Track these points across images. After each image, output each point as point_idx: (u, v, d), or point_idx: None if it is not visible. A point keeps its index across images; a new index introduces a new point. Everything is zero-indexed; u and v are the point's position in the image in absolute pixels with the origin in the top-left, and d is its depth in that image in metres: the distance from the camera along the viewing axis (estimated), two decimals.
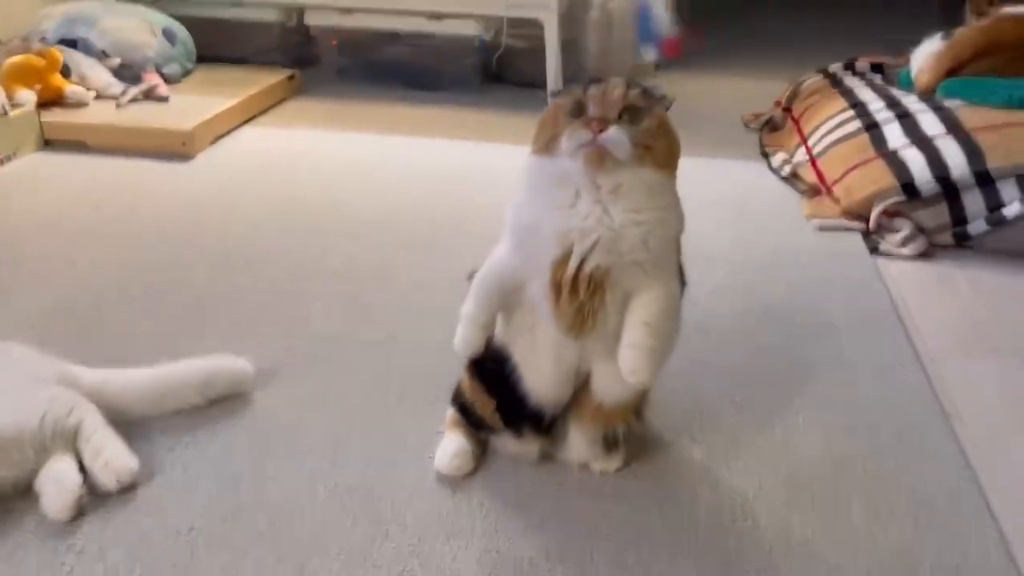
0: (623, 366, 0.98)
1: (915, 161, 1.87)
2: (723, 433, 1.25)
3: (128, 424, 1.19)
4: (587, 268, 0.96)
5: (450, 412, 1.19)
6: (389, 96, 2.79)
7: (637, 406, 1.16)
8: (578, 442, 1.13)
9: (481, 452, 1.17)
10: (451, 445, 1.15)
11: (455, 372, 1.17)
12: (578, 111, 0.96)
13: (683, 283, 1.08)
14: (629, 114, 0.96)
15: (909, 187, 1.84)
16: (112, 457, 1.10)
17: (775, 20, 4.21)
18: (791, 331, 1.51)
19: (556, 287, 0.97)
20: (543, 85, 2.70)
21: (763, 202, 2.06)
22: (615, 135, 0.93)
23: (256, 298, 1.57)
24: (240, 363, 1.30)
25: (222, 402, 1.27)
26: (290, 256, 1.72)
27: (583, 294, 0.97)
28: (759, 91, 2.87)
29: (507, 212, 1.03)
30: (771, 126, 2.54)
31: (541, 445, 1.15)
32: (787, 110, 2.50)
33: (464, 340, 1.05)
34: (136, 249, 1.75)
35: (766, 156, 2.34)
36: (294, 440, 1.20)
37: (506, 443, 1.15)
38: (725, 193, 2.10)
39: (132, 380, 1.23)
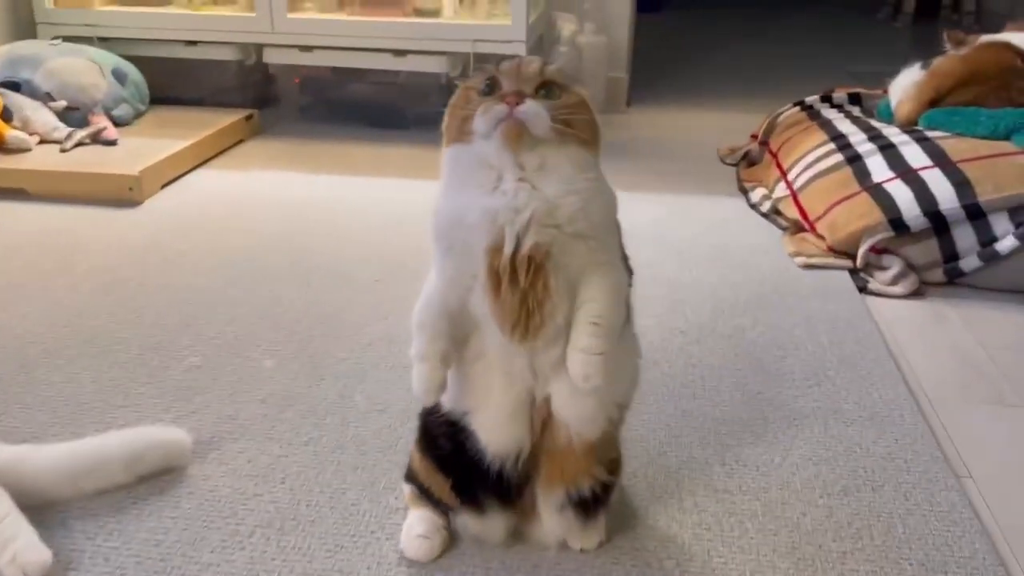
0: (573, 371, 0.87)
1: (902, 195, 1.78)
2: (715, 498, 1.13)
3: (44, 509, 1.05)
4: (524, 248, 0.84)
5: (409, 487, 1.06)
6: (352, 135, 2.69)
7: (611, 458, 1.03)
8: (549, 510, 0.99)
9: (450, 529, 1.03)
10: (418, 525, 1.02)
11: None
12: (491, 89, 0.88)
13: (629, 271, 0.99)
14: (546, 90, 0.88)
15: (897, 222, 1.75)
16: (21, 550, 0.96)
17: (743, 54, 4.17)
18: (781, 379, 1.40)
19: (494, 277, 0.86)
20: None
21: (745, 240, 1.96)
22: (532, 107, 0.85)
23: (197, 359, 1.43)
24: (175, 434, 1.16)
25: (153, 479, 1.13)
26: (238, 308, 1.59)
27: (524, 280, 0.85)
28: (732, 124, 2.80)
29: (431, 226, 0.91)
30: (748, 160, 2.46)
31: (508, 521, 1.01)
32: (764, 143, 2.42)
33: (423, 381, 0.91)
34: (70, 304, 1.61)
35: (744, 192, 2.25)
36: (235, 522, 1.06)
37: (468, 524, 1.01)
38: (705, 231, 2.00)
39: (49, 457, 1.09)
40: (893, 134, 2.01)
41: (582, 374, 0.87)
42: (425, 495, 1.03)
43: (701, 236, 1.98)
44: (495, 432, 0.95)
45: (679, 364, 1.44)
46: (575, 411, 0.93)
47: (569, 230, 0.86)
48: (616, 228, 0.97)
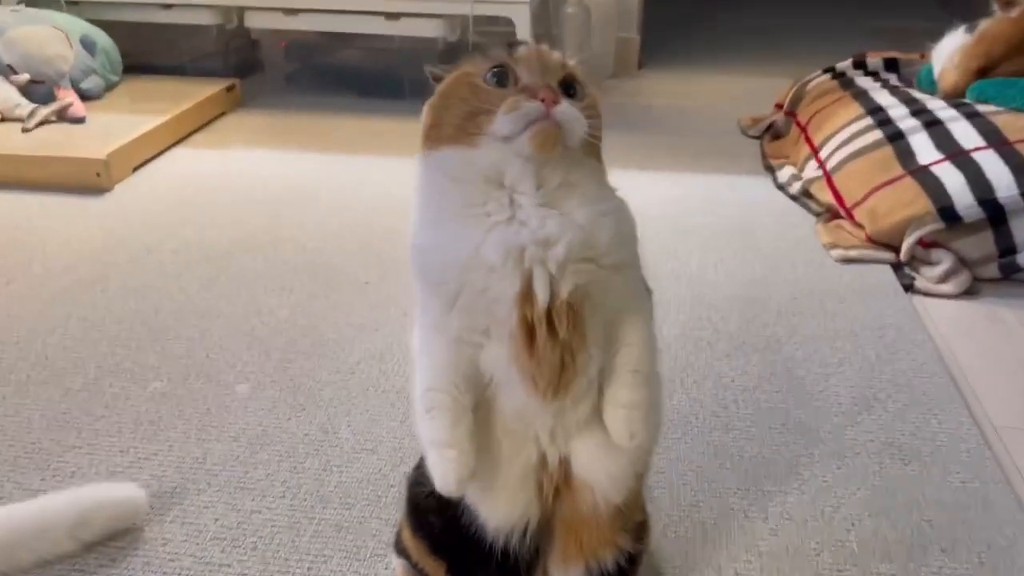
0: (616, 430, 0.72)
1: (952, 180, 1.59)
2: (759, 563, 0.96)
3: None
4: (564, 292, 0.68)
5: (400, 562, 0.90)
6: (341, 106, 2.49)
7: (638, 522, 0.86)
8: None
9: None
10: None
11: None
12: (502, 79, 0.70)
13: (648, 291, 0.83)
14: (567, 86, 0.71)
15: (948, 211, 1.56)
16: None
17: (765, 12, 3.93)
18: (826, 404, 1.23)
19: (527, 332, 0.68)
20: None
21: (773, 228, 1.77)
22: (570, 110, 0.68)
23: (163, 383, 1.26)
24: (128, 491, 1.00)
25: (104, 546, 0.97)
26: (212, 319, 1.42)
27: (564, 332, 0.68)
28: (755, 89, 2.60)
29: (411, 263, 0.73)
30: (773, 133, 2.26)
31: None
32: (790, 114, 2.22)
33: (452, 473, 0.71)
34: (22, 315, 1.43)
35: (771, 170, 2.05)
36: None
37: None
38: (728, 217, 1.82)
39: None
40: (939, 108, 1.81)
41: (627, 432, 0.72)
42: (418, 574, 0.87)
43: (724, 223, 1.79)
44: (498, 503, 0.78)
45: (707, 386, 1.27)
46: (604, 472, 0.77)
47: (607, 262, 0.70)
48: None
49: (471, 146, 0.69)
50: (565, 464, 0.77)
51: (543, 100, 0.67)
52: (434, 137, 0.72)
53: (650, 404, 0.74)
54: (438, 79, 0.76)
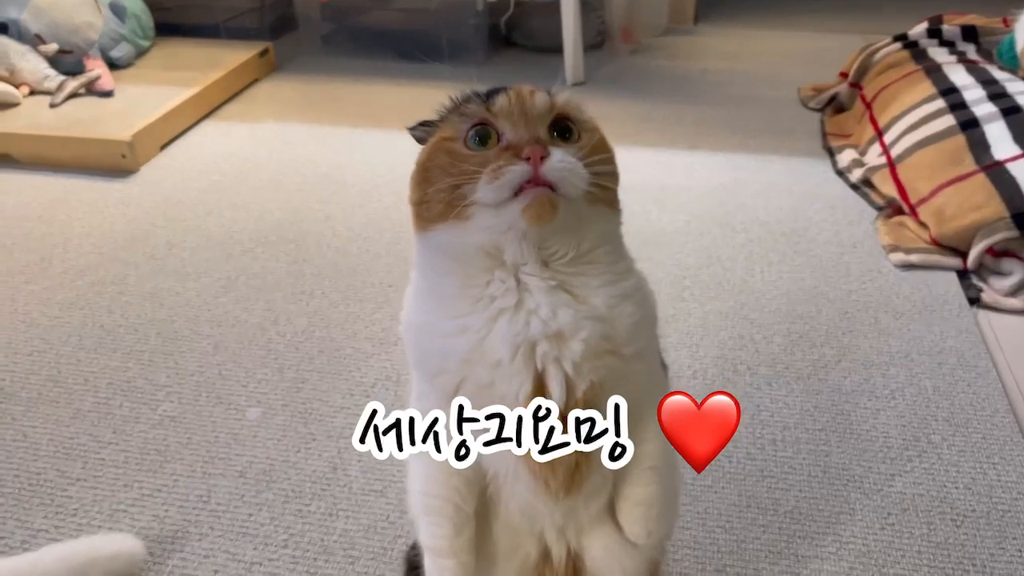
0: (632, 529, 0.67)
1: None
2: None
3: None
4: (580, 390, 0.61)
5: None
6: (378, 71, 2.39)
7: None
8: None
9: None
10: None
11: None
12: (484, 137, 0.62)
13: (664, 366, 0.75)
14: (560, 129, 0.63)
15: (1023, 218, 1.41)
16: None
17: None
18: (873, 446, 1.13)
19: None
20: (561, 49, 2.28)
21: (828, 225, 1.64)
22: (562, 160, 0.59)
23: (173, 404, 1.22)
24: (124, 543, 0.96)
25: None
26: (228, 328, 1.37)
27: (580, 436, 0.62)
28: (822, 50, 2.42)
29: (405, 343, 0.67)
30: (836, 106, 2.10)
31: None
32: (856, 86, 2.05)
33: None
34: (38, 322, 1.40)
35: (830, 152, 1.91)
36: None
37: None
38: (780, 211, 1.69)
39: None
40: (1020, 92, 1.64)
41: (643, 531, 0.67)
42: None
43: (775, 217, 1.67)
44: None
45: (744, 421, 1.18)
46: (619, 567, 0.70)
47: (628, 352, 0.62)
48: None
49: (462, 220, 0.60)
50: (573, 559, 0.70)
51: (528, 159, 0.58)
52: (424, 216, 0.63)
53: (667, 498, 0.68)
54: (421, 141, 0.68)
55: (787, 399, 1.21)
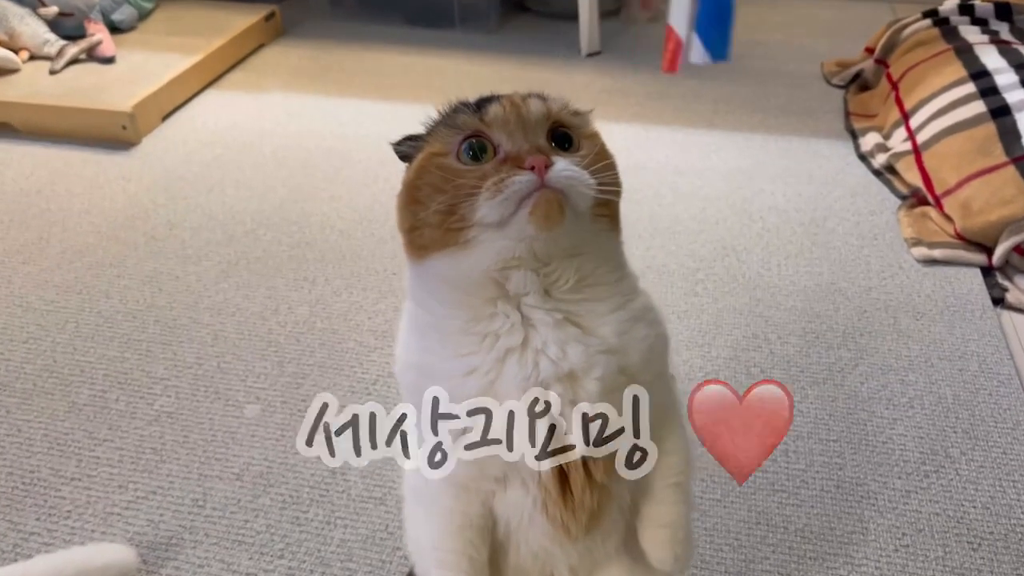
0: (659, 555, 0.63)
1: None
2: None
3: None
4: (595, 432, 0.57)
5: None
6: (388, 37, 2.32)
7: None
8: None
9: None
10: None
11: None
12: (479, 151, 0.57)
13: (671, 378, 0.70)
14: (558, 137, 0.58)
15: None
16: None
17: None
18: (889, 459, 1.10)
19: (559, 478, 0.58)
20: (576, 16, 2.20)
21: (849, 215, 1.59)
22: (567, 167, 0.55)
23: (170, 399, 1.19)
24: (115, 553, 0.94)
25: None
26: (228, 317, 1.34)
27: (602, 474, 0.58)
28: (849, 21, 2.33)
29: (401, 384, 0.63)
30: (860, 83, 2.02)
31: None
32: (881, 62, 1.97)
33: None
34: (34, 307, 1.37)
35: (853, 135, 1.84)
36: None
37: None
38: (801, 198, 1.63)
39: None
40: None
41: (671, 555, 0.62)
42: None
43: (794, 205, 1.61)
44: None
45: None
46: None
47: (642, 380, 0.58)
48: None
49: (461, 246, 0.56)
50: None
51: (533, 167, 0.54)
52: (418, 244, 0.58)
53: (690, 517, 0.65)
54: (406, 157, 0.63)
55: (801, 406, 1.18)
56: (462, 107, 0.60)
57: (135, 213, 1.59)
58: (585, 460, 0.57)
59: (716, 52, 0.75)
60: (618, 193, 0.60)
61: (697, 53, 0.74)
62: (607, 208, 0.58)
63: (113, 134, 1.80)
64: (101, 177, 1.71)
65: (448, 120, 0.60)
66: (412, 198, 0.58)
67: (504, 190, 0.53)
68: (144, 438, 1.13)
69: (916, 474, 1.08)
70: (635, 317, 0.59)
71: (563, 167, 0.54)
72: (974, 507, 1.03)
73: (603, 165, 0.58)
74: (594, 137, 0.61)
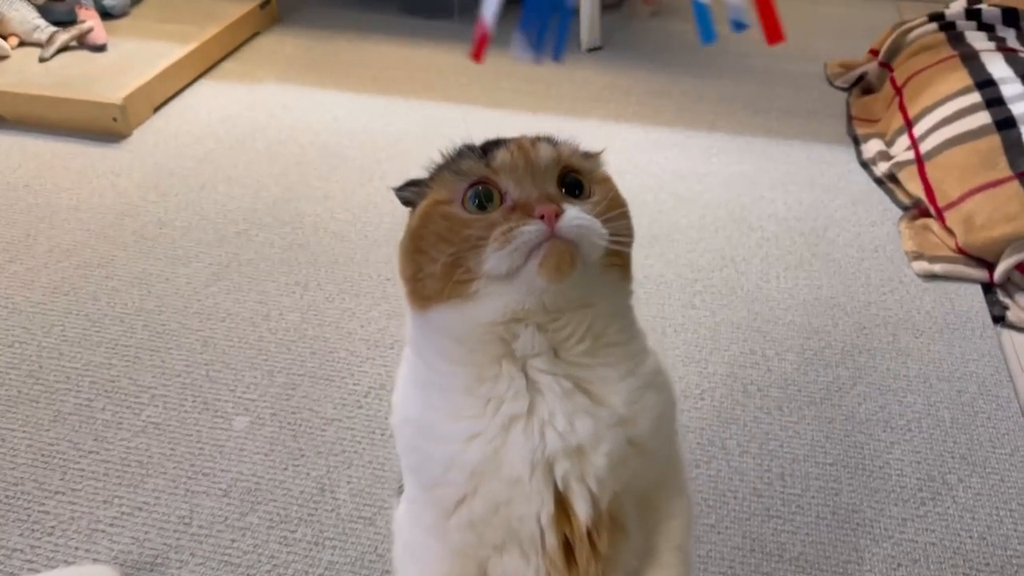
0: None
1: None
2: None
3: None
4: (605, 503, 0.55)
5: None
6: (384, 28, 2.28)
7: None
8: None
9: None
10: None
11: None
12: (484, 199, 0.55)
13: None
14: (569, 183, 0.56)
15: None
16: None
17: None
18: (886, 485, 1.08)
19: (564, 549, 0.56)
20: (577, 9, 2.16)
21: (849, 225, 1.56)
22: (578, 216, 0.53)
23: (158, 409, 1.17)
24: (101, 574, 0.92)
25: None
26: (217, 323, 1.31)
27: (605, 547, 0.56)
28: (855, 19, 2.29)
29: (397, 439, 0.61)
30: (863, 86, 1.99)
31: None
32: (886, 66, 1.94)
33: None
34: (20, 308, 1.35)
35: (856, 141, 1.81)
36: None
37: None
38: (802, 207, 1.61)
39: None
40: None
41: None
42: None
43: (794, 214, 1.59)
44: None
45: (752, 451, 1.13)
46: None
47: (651, 447, 0.57)
48: None
49: (467, 298, 0.53)
50: None
51: (543, 216, 0.52)
52: (419, 294, 0.56)
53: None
54: (409, 203, 0.60)
55: (798, 427, 1.16)
56: (467, 151, 0.58)
57: (125, 210, 1.56)
58: (590, 531, 0.55)
59: (537, 51, 0.74)
60: (630, 242, 0.58)
61: (518, 48, 0.73)
62: (619, 258, 0.56)
63: (103, 126, 1.76)
64: (91, 171, 1.67)
65: (453, 165, 0.58)
66: (416, 247, 0.56)
67: (512, 241, 0.51)
68: (130, 450, 1.11)
69: (913, 501, 1.06)
70: (646, 384, 0.57)
71: (574, 215, 0.52)
72: (970, 537, 1.02)
73: (616, 213, 0.56)
74: (606, 182, 0.58)
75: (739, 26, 0.77)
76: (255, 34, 2.22)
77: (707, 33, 0.79)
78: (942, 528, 1.03)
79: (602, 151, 0.62)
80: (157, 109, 1.87)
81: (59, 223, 1.53)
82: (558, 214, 0.52)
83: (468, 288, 0.53)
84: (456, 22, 2.30)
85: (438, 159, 0.61)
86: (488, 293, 0.53)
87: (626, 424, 0.55)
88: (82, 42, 1.98)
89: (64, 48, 1.96)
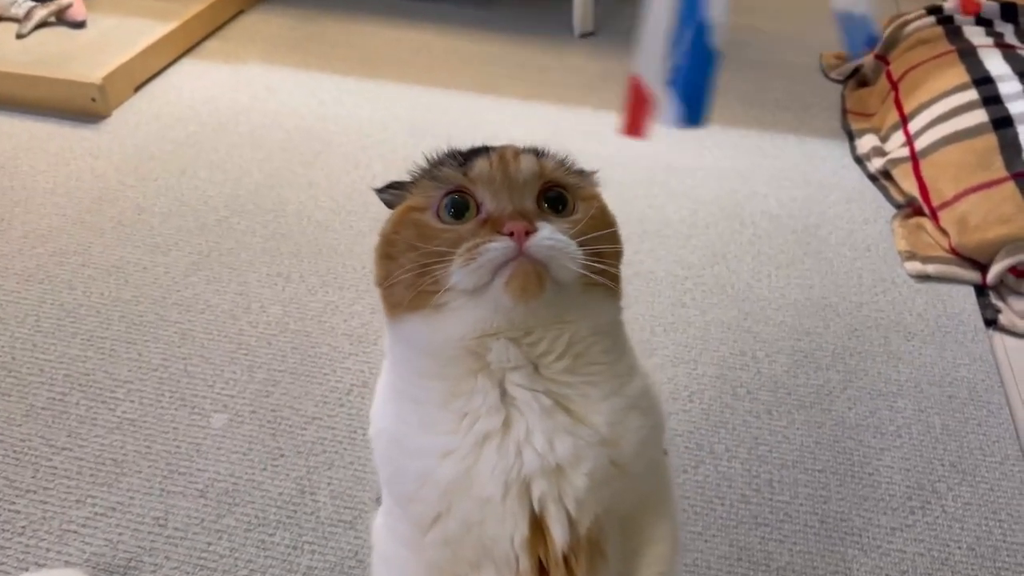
0: None
1: None
2: None
3: None
4: (584, 527, 0.53)
5: None
6: (373, 7, 2.23)
7: None
8: None
9: None
10: None
11: None
12: (460, 208, 0.53)
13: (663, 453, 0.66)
14: (551, 198, 0.54)
15: None
16: None
17: None
18: (875, 493, 1.07)
19: (538, 572, 0.54)
20: None
21: (842, 223, 1.54)
22: (550, 237, 0.51)
23: (133, 404, 1.14)
24: None
25: None
26: (196, 315, 1.28)
27: (582, 572, 0.54)
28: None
29: (375, 450, 0.60)
30: (859, 79, 1.97)
31: None
32: (882, 58, 1.92)
33: None
34: None
35: (850, 135, 1.79)
36: None
37: None
38: (795, 203, 1.59)
39: None
40: None
41: None
42: None
43: (787, 211, 1.56)
44: None
45: (740, 456, 1.11)
46: None
47: (635, 471, 0.55)
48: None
49: (434, 309, 0.52)
50: None
51: (511, 234, 0.50)
52: (391, 301, 0.55)
53: None
54: (391, 205, 0.58)
55: (787, 431, 1.14)
56: (449, 158, 0.56)
57: (103, 195, 1.52)
58: (566, 555, 0.53)
59: (692, 114, 0.66)
60: (614, 263, 0.56)
61: (669, 113, 0.66)
62: (604, 275, 0.54)
63: (82, 106, 1.71)
64: (68, 153, 1.63)
65: (433, 171, 0.56)
66: (386, 253, 0.55)
67: (478, 257, 0.49)
68: (104, 447, 1.08)
69: (901, 510, 1.05)
70: (630, 405, 0.54)
71: (546, 235, 0.50)
72: (959, 548, 1.01)
73: (599, 233, 0.53)
74: (592, 199, 0.56)
75: (871, 41, 0.72)
76: (239, 12, 2.17)
77: (855, 44, 0.75)
78: (931, 538, 1.02)
79: (595, 172, 0.59)
80: (138, 89, 1.82)
81: (34, 207, 1.49)
82: (529, 232, 0.50)
83: (435, 300, 0.51)
84: (447, 3, 2.26)
85: (423, 162, 0.59)
86: (456, 307, 0.51)
87: (608, 445, 0.53)
88: (61, 18, 1.93)
89: (42, 24, 1.91)
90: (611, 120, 1.78)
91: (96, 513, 1.01)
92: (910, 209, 1.55)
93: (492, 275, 0.50)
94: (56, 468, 1.05)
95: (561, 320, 0.53)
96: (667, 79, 0.65)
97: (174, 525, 1.00)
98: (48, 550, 0.96)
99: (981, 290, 1.39)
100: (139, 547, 0.97)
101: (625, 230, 0.58)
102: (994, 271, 1.36)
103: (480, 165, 0.54)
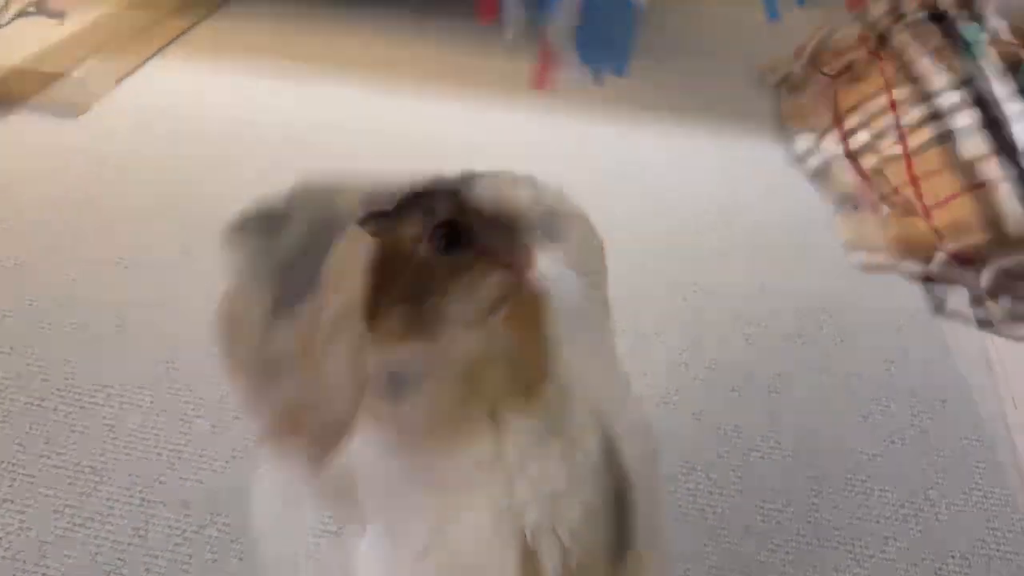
0: None
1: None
2: None
3: None
4: (576, 556, 0.51)
5: None
6: (366, 7, 2.19)
7: None
8: None
9: None
10: None
11: None
12: (452, 240, 0.50)
13: None
14: (548, 225, 0.53)
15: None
16: None
17: None
18: (869, 496, 1.06)
19: None
20: None
21: (786, 217, 1.51)
22: (548, 266, 0.51)
23: (114, 409, 1.12)
24: None
25: None
26: (180, 317, 1.25)
27: None
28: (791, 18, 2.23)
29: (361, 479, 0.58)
30: (790, 84, 1.94)
31: None
32: (812, 65, 1.89)
33: None
34: None
35: (789, 136, 1.77)
36: None
37: None
38: (733, 198, 1.57)
39: None
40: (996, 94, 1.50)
41: None
42: None
43: (729, 205, 1.55)
44: None
45: (735, 459, 1.10)
46: None
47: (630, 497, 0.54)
48: None
49: (429, 342, 0.50)
50: None
51: (511, 266, 0.49)
52: (379, 330, 0.52)
53: None
54: (375, 236, 0.56)
55: (780, 436, 1.13)
56: (439, 186, 0.54)
57: (83, 191, 1.49)
58: None
59: (617, 64, 0.68)
60: (605, 281, 0.54)
61: (577, 67, 0.67)
62: (594, 296, 0.52)
63: (61, 99, 1.68)
64: (47, 148, 1.60)
65: (422, 200, 0.53)
66: (376, 283, 0.52)
67: (476, 292, 0.48)
68: (83, 455, 1.06)
69: (894, 518, 1.04)
70: (626, 431, 0.53)
71: (545, 266, 0.49)
72: (952, 558, 1.00)
73: (590, 257, 0.52)
74: (584, 228, 0.55)
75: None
76: (224, 2, 2.13)
77: (772, 10, 0.75)
78: (923, 547, 1.01)
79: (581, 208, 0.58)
80: (119, 81, 1.78)
81: (12, 204, 1.45)
82: (527, 264, 0.49)
83: (430, 332, 0.49)
84: (431, 14, 2.21)
85: (407, 191, 0.56)
86: (451, 339, 0.49)
87: (602, 471, 0.52)
88: (40, 8, 1.89)
89: (20, 14, 1.86)
90: (551, 120, 1.71)
91: (74, 524, 0.98)
92: (850, 200, 1.53)
93: (490, 309, 0.49)
94: (35, 478, 1.03)
95: (556, 346, 0.51)
96: (578, 36, 0.66)
97: (154, 536, 0.97)
98: (25, 563, 0.94)
99: (974, 293, 1.38)
100: (118, 559, 0.95)
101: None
102: (987, 274, 1.35)
103: (475, 195, 0.52)
